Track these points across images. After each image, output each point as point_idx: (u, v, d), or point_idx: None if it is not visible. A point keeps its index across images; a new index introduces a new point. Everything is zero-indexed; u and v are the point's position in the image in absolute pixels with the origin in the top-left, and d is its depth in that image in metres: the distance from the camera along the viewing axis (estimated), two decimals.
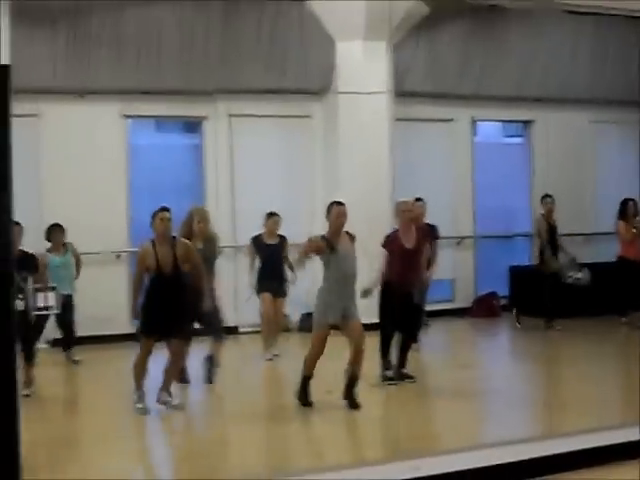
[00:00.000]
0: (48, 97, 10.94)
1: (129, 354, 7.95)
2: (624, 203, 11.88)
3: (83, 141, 11.25)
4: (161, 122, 12.98)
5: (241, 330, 11.67)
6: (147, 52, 11.23)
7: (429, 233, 9.59)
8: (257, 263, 10.14)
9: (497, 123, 15.01)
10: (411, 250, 8.50)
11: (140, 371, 7.64)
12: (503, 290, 13.00)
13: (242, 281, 10.88)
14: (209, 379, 8.67)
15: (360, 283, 7.86)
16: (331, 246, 7.45)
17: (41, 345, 8.98)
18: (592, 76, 13.76)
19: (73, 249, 10.05)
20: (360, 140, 11.86)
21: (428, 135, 13.35)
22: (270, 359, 9.93)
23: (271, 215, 10.23)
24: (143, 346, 7.59)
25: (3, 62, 4.82)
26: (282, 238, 10.20)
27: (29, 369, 8.16)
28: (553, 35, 13.29)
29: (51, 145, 11.07)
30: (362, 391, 7.77)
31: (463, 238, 13.45)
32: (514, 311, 12.24)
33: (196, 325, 8.48)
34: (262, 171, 12.21)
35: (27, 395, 7.97)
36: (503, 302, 13.04)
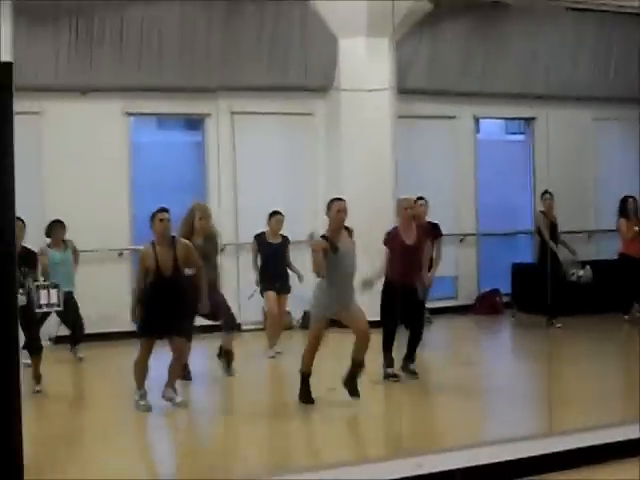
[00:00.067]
0: (50, 95, 10.93)
1: (132, 352, 7.96)
2: (624, 201, 11.91)
3: (85, 139, 11.24)
4: (163, 120, 12.96)
5: (244, 328, 11.67)
6: (149, 50, 11.24)
7: (430, 231, 9.58)
8: (259, 261, 10.16)
9: (499, 120, 14.99)
10: (412, 247, 8.51)
11: (141, 370, 7.65)
12: (506, 288, 13.00)
13: (244, 279, 10.88)
14: (229, 372, 8.68)
15: (359, 280, 7.87)
16: (334, 247, 7.45)
17: (43, 342, 8.97)
18: (594, 73, 13.74)
19: (73, 246, 10.05)
20: (362, 137, 11.86)
21: (430, 132, 13.34)
22: (273, 357, 9.95)
23: (274, 214, 10.23)
24: (143, 345, 7.60)
25: (5, 60, 4.82)
26: (285, 238, 10.20)
27: (37, 364, 8.17)
28: (555, 32, 13.25)
29: (53, 143, 11.07)
30: (364, 388, 7.78)
31: (466, 235, 13.45)
32: (514, 306, 12.27)
33: (202, 321, 8.51)
34: (264, 168, 12.20)
35: (39, 391, 8.01)
36: (506, 299, 13.04)
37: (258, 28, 11.67)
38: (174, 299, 7.53)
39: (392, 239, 8.56)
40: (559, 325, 11.31)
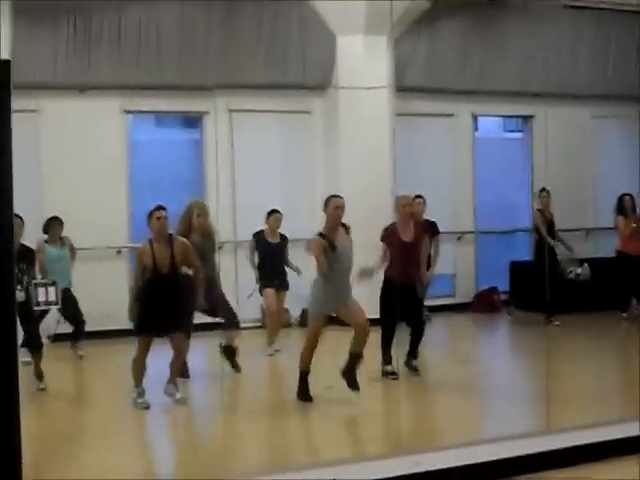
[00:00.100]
0: (48, 93, 10.91)
1: (130, 349, 7.95)
2: (621, 198, 11.94)
3: (83, 136, 11.23)
4: (161, 117, 12.96)
5: (242, 326, 11.65)
6: (147, 47, 11.23)
7: (428, 229, 9.59)
8: (256, 258, 10.17)
9: (497, 118, 15.00)
10: (409, 244, 8.52)
11: (139, 368, 7.66)
12: (504, 285, 13.00)
13: (242, 276, 10.88)
14: (235, 369, 8.69)
15: (354, 274, 7.88)
16: (332, 246, 7.47)
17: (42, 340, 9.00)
18: (593, 71, 13.74)
19: (69, 243, 10.04)
20: (361, 135, 11.86)
21: (428, 130, 13.33)
22: (271, 354, 9.95)
23: (272, 212, 10.23)
24: (141, 343, 7.61)
25: (3, 57, 4.82)
26: (283, 238, 10.21)
27: (38, 362, 8.17)
28: (554, 30, 13.26)
29: (51, 141, 11.06)
30: (362, 386, 7.78)
31: (464, 233, 13.45)
32: (512, 304, 12.28)
33: (200, 319, 8.53)
34: (262, 166, 12.20)
35: (42, 389, 8.01)
36: (504, 297, 13.05)
37: (256, 26, 11.66)
38: (171, 297, 7.53)
39: (389, 235, 8.58)
40: (557, 323, 11.31)
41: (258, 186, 11.94)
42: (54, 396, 8.35)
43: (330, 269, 7.48)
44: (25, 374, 7.75)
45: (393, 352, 8.58)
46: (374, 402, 7.92)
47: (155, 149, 12.46)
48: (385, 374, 8.53)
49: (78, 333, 9.96)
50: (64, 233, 9.98)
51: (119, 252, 11.43)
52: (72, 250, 10.07)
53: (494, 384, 8.64)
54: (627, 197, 11.93)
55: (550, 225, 11.71)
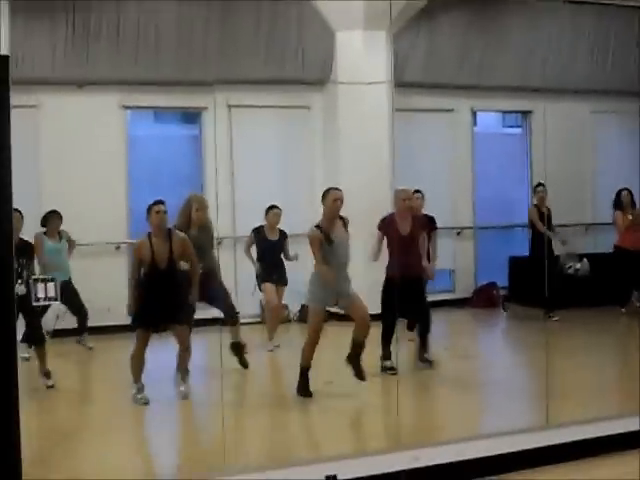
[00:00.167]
0: (47, 88, 10.90)
1: (129, 345, 7.96)
2: (618, 194, 11.98)
3: (82, 132, 11.21)
4: (160, 113, 12.94)
5: (242, 321, 11.65)
6: (146, 43, 11.21)
7: (426, 224, 9.59)
8: (255, 254, 10.17)
9: (497, 113, 14.99)
10: (406, 237, 8.55)
11: (137, 363, 7.66)
12: (503, 281, 13.00)
13: (242, 272, 10.88)
14: (243, 365, 8.73)
15: (354, 269, 7.89)
16: (328, 238, 7.48)
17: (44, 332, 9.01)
18: (592, 66, 13.73)
19: (67, 236, 10.03)
20: (360, 131, 11.85)
21: (428, 126, 13.31)
22: (271, 350, 9.96)
23: (271, 208, 10.23)
24: (139, 339, 7.61)
25: (2, 53, 4.81)
26: (283, 234, 10.21)
27: (42, 357, 8.16)
28: (553, 25, 13.24)
29: (50, 136, 11.04)
30: (361, 381, 7.78)
31: (463, 229, 13.45)
32: (511, 299, 12.28)
33: (199, 314, 8.53)
34: (262, 162, 12.19)
35: (51, 386, 8.01)
36: (503, 292, 13.04)
37: (255, 21, 11.64)
38: (169, 291, 7.54)
39: (387, 225, 8.61)
40: (556, 318, 11.29)
41: (257, 182, 11.94)
42: (53, 392, 8.34)
43: (326, 262, 7.49)
44: (24, 370, 7.75)
45: (392, 348, 8.59)
46: (373, 397, 7.93)
47: (154, 145, 12.45)
48: (384, 369, 8.55)
49: (82, 325, 9.96)
50: (62, 228, 9.97)
51: (118, 248, 11.42)
52: (69, 242, 10.05)
53: (493, 379, 8.65)
54: (625, 192, 11.96)
55: (547, 220, 11.69)
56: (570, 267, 11.58)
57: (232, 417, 7.46)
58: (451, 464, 5.72)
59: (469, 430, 6.69)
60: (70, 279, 9.86)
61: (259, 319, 10.73)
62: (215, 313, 8.82)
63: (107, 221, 11.20)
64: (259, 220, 10.25)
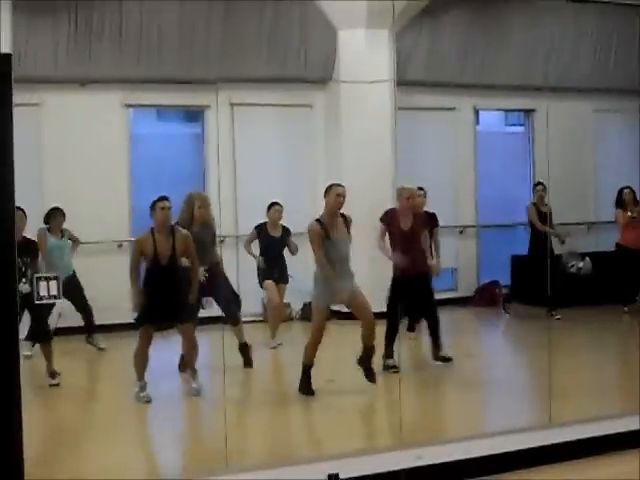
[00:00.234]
0: (49, 86, 10.90)
1: (132, 343, 7.96)
2: (620, 192, 11.99)
3: (84, 130, 11.22)
4: (162, 111, 12.95)
5: (243, 320, 11.65)
6: (148, 41, 11.21)
7: (427, 221, 9.59)
8: (256, 250, 10.18)
9: (499, 112, 14.98)
10: (407, 232, 8.59)
11: (140, 361, 7.67)
12: (505, 279, 12.99)
13: (244, 270, 10.87)
14: (249, 364, 8.79)
15: (357, 267, 7.90)
16: (327, 234, 7.51)
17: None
18: (595, 65, 13.72)
19: (70, 234, 10.02)
20: (362, 129, 11.84)
21: (430, 124, 13.31)
22: (274, 347, 9.96)
23: (273, 205, 10.24)
24: (142, 336, 7.62)
25: (4, 51, 4.82)
26: (286, 231, 10.21)
27: (49, 355, 8.16)
28: (555, 24, 13.23)
29: (52, 134, 11.04)
30: (364, 380, 7.78)
31: (465, 227, 13.45)
32: (513, 298, 12.28)
33: (202, 313, 8.55)
34: (264, 160, 12.19)
35: (57, 384, 8.02)
36: (504, 292, 13.04)
37: (258, 20, 11.64)
38: (170, 288, 7.55)
39: (390, 218, 8.64)
40: (559, 317, 11.30)
41: (259, 180, 11.93)
42: (57, 390, 8.35)
43: (326, 256, 7.51)
44: (26, 368, 7.75)
45: (395, 346, 8.60)
46: (375, 395, 7.93)
47: (156, 143, 12.46)
48: (386, 368, 8.54)
49: (89, 324, 9.96)
50: (65, 226, 9.98)
51: (120, 246, 11.41)
52: (72, 239, 10.05)
53: (496, 378, 8.65)
54: (627, 190, 11.96)
55: (546, 218, 11.68)
56: (572, 266, 11.59)
57: (234, 415, 7.48)
58: (454, 462, 5.72)
59: (472, 429, 6.69)
60: (74, 273, 9.86)
61: (261, 317, 10.72)
62: (217, 312, 8.84)
63: (109, 219, 11.20)
64: (261, 219, 10.26)
